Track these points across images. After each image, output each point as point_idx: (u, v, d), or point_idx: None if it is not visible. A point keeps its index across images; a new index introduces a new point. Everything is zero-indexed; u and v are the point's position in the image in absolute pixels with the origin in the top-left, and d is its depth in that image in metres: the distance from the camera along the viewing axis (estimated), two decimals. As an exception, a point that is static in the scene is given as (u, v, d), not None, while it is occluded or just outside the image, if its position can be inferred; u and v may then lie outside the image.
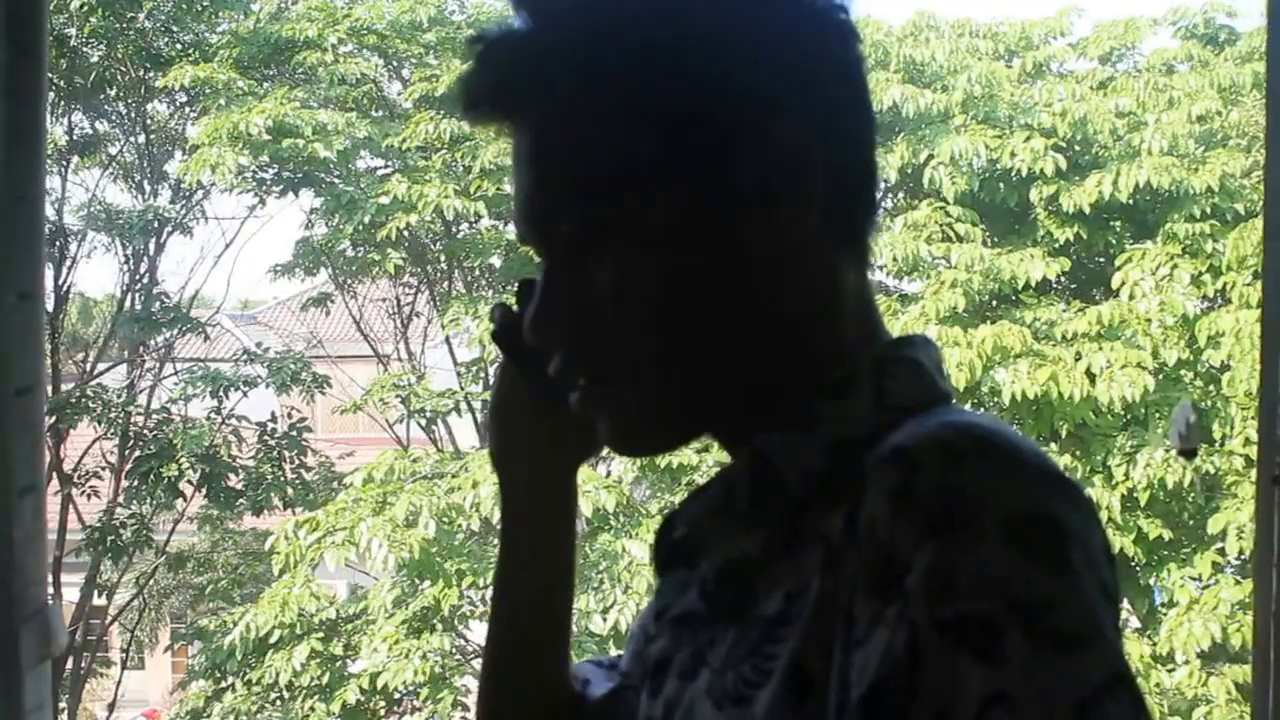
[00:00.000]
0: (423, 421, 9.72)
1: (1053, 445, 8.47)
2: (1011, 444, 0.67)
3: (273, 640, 7.63)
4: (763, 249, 0.76)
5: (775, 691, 0.71)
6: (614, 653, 1.04)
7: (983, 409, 8.94)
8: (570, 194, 0.77)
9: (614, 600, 7.32)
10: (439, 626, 7.40)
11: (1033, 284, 8.74)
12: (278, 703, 7.99)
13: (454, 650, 7.32)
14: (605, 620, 7.25)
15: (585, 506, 7.12)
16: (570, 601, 1.02)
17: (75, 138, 9.78)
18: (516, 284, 0.88)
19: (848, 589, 0.67)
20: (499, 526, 1.01)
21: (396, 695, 8.06)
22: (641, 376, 0.78)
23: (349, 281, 10.70)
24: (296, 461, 9.33)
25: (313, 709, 7.81)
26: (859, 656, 0.65)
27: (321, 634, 7.83)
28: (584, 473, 7.04)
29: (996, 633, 0.61)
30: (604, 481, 7.44)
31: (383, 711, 8.43)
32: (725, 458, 0.83)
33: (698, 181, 0.75)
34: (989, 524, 0.63)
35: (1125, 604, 8.41)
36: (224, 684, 8.40)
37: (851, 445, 0.72)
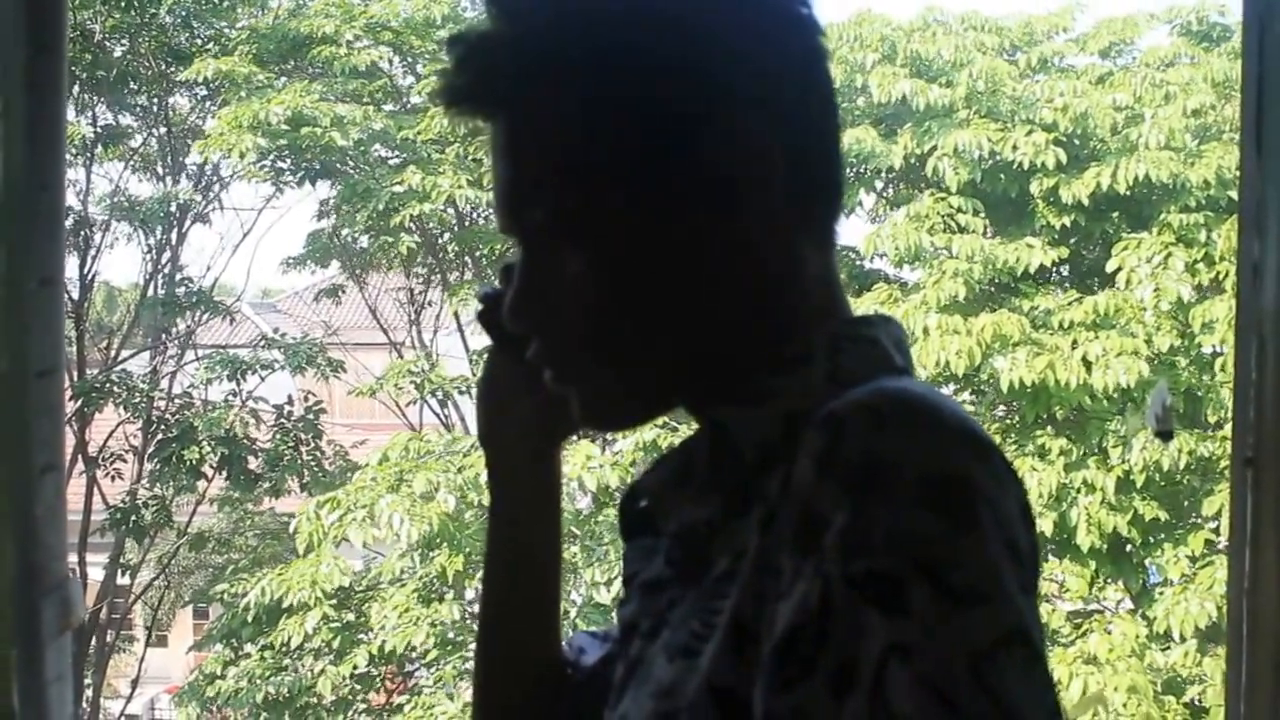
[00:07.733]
0: (435, 406, 9.92)
1: (1049, 429, 8.61)
2: (934, 408, 0.70)
3: (285, 606, 7.81)
4: (723, 234, 0.80)
5: (719, 644, 0.75)
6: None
7: (981, 395, 9.09)
8: (539, 185, 0.81)
9: (619, 572, 7.47)
10: (450, 595, 7.59)
11: (1031, 272, 8.85)
12: (290, 668, 8.17)
13: (465, 617, 7.50)
14: (609, 591, 7.44)
15: (591, 483, 7.33)
16: (558, 574, 1.04)
17: (99, 130, 10.00)
18: (500, 269, 0.91)
19: (778, 546, 0.71)
20: (488, 502, 1.05)
21: (409, 666, 8.25)
22: (609, 357, 0.82)
23: (361, 272, 10.91)
24: (313, 444, 9.53)
25: (323, 672, 7.99)
26: (782, 608, 0.68)
27: (334, 602, 8.00)
28: (592, 451, 7.28)
29: (901, 587, 0.64)
30: (610, 459, 7.64)
31: (393, 677, 8.62)
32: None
33: (659, 171, 0.79)
34: (903, 483, 0.66)
35: (1119, 583, 8.53)
36: (241, 650, 8.60)
37: (803, 417, 0.74)
